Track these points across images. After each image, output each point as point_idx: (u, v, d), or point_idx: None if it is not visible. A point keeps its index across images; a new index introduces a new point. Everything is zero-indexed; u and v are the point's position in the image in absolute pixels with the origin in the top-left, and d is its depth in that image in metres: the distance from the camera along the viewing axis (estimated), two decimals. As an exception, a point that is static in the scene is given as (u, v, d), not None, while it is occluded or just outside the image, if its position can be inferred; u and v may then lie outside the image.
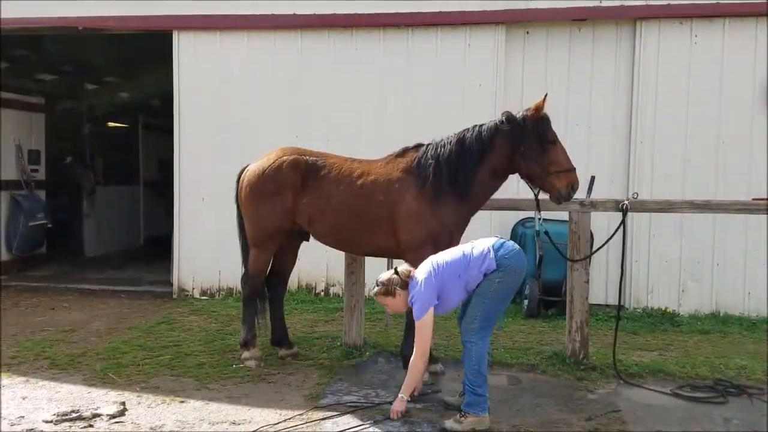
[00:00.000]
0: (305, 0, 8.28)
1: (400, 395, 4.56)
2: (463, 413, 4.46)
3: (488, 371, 4.57)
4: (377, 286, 4.60)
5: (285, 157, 5.71)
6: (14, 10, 8.68)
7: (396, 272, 4.57)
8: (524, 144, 5.08)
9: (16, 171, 10.41)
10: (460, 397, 4.80)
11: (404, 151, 5.53)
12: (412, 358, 4.51)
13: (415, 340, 4.50)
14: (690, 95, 7.94)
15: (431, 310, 4.43)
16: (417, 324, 4.44)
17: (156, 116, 13.98)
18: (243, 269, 6.08)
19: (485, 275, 4.46)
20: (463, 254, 4.52)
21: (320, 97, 8.44)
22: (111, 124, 14.51)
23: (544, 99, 5.09)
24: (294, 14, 8.35)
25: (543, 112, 5.09)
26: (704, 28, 7.91)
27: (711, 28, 7.90)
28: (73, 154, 12.69)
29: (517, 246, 4.60)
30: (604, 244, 5.80)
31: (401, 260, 5.42)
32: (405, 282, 4.53)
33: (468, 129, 5.30)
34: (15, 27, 8.80)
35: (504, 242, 4.58)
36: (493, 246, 4.51)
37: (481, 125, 5.27)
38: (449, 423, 4.47)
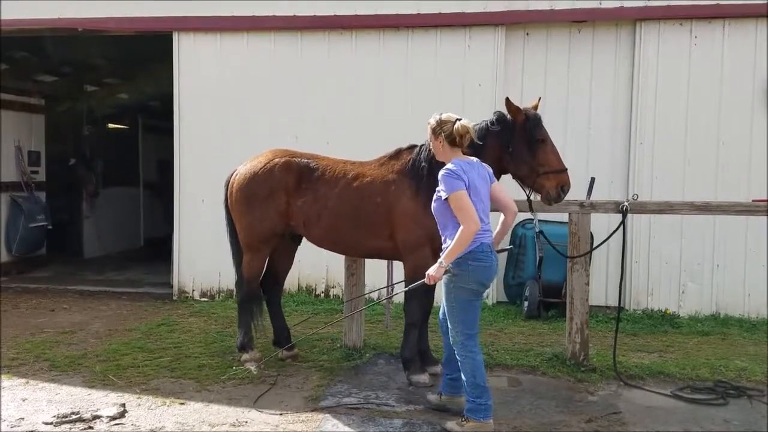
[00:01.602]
0: (305, 1, 8.29)
1: (440, 261, 4.23)
2: (465, 417, 4.43)
3: (488, 372, 4.55)
4: (435, 118, 4.46)
5: (277, 159, 5.70)
6: (14, 11, 8.68)
7: (454, 123, 4.36)
8: (512, 144, 5.07)
9: (16, 172, 10.41)
10: (440, 396, 4.82)
11: (398, 153, 5.53)
12: (461, 228, 4.16)
13: (460, 213, 4.20)
14: (690, 96, 7.94)
15: (463, 192, 4.20)
16: (450, 200, 4.22)
17: (156, 117, 13.98)
18: (236, 274, 6.07)
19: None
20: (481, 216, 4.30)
21: (320, 99, 8.43)
22: (111, 125, 14.51)
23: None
24: (294, 16, 8.35)
25: (532, 111, 5.08)
26: (704, 29, 7.91)
27: (711, 29, 7.90)
28: (74, 155, 12.69)
29: (491, 263, 4.34)
30: (604, 242, 5.84)
31: (400, 261, 5.46)
32: (453, 140, 4.38)
33: None
34: (14, 28, 8.80)
35: (489, 250, 4.34)
36: (482, 245, 4.29)
37: (473, 125, 5.26)
38: (450, 424, 4.45)
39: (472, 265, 4.29)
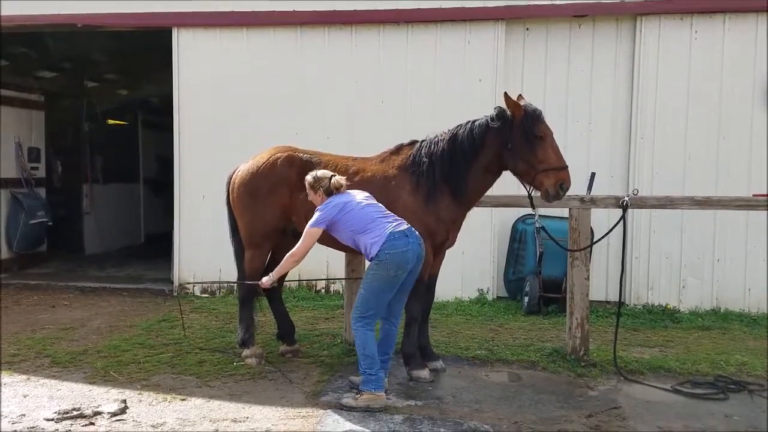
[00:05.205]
0: (304, -4, 8.29)
1: (270, 275, 5.20)
2: (359, 391, 4.69)
3: (488, 368, 4.56)
4: (312, 175, 5.03)
5: (279, 154, 5.70)
6: (14, 7, 8.66)
7: (331, 179, 4.96)
8: (511, 140, 5.05)
9: (16, 169, 10.40)
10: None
11: (399, 148, 5.53)
12: (289, 254, 4.99)
13: (300, 241, 4.95)
14: (690, 91, 7.93)
15: (320, 229, 4.89)
16: (306, 229, 4.94)
17: (156, 113, 13.97)
18: (238, 271, 6.07)
19: (367, 255, 4.82)
20: (373, 219, 4.80)
21: (320, 94, 8.42)
22: (111, 121, 14.49)
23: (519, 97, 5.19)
24: (293, 11, 8.33)
25: (531, 106, 5.05)
26: (704, 23, 7.89)
27: (711, 23, 7.89)
28: (64, 150, 12.62)
29: (406, 247, 4.71)
30: (604, 236, 5.85)
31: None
32: (330, 191, 4.95)
33: (461, 126, 5.29)
34: (14, 24, 8.79)
35: (399, 236, 4.71)
36: (389, 235, 4.69)
37: (473, 121, 5.25)
38: (346, 399, 4.73)
39: (389, 253, 4.68)
